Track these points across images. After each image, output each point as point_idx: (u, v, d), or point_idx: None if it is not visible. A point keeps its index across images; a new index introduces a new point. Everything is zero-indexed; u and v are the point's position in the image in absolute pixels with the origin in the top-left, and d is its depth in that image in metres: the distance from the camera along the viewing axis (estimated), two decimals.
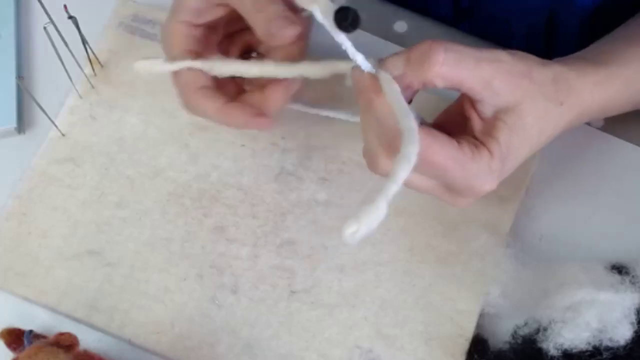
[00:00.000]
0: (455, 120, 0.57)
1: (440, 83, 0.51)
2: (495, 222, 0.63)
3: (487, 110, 0.53)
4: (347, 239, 0.44)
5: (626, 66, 0.59)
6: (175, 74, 0.59)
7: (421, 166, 0.48)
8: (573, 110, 0.56)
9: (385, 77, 0.51)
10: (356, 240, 0.44)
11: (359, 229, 0.44)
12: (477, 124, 0.54)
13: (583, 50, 0.61)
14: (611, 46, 0.61)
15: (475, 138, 0.54)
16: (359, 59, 0.51)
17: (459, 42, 0.52)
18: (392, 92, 0.50)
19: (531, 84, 0.53)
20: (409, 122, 0.47)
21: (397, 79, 0.51)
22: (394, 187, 0.45)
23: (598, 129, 0.68)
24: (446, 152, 0.51)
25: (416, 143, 0.46)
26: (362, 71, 0.52)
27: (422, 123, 0.54)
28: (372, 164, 0.55)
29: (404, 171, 0.45)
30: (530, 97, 0.53)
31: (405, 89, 0.52)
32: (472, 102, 0.54)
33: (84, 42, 0.66)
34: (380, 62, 0.52)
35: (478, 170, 0.53)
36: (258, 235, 0.64)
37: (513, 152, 0.54)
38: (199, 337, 0.61)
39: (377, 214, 0.44)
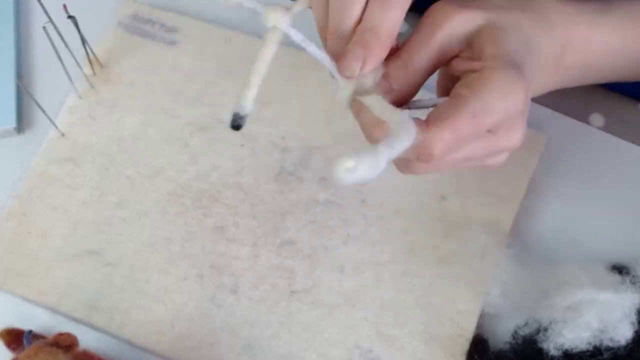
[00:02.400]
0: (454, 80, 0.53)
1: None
2: (495, 222, 0.63)
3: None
4: (340, 174, 0.40)
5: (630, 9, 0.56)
6: None
7: (462, 154, 0.48)
8: (560, 29, 0.54)
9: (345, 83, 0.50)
10: (347, 180, 0.40)
11: (356, 167, 0.40)
12: (463, 63, 0.51)
13: None
14: None
15: (468, 72, 0.50)
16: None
17: None
18: (375, 104, 0.49)
19: (529, 56, 0.51)
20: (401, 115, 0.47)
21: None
22: (397, 146, 0.43)
23: (598, 128, 0.68)
24: (459, 117, 0.47)
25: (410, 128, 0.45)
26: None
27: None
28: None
29: (403, 140, 0.44)
30: (527, 68, 0.50)
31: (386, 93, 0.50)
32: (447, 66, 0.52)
33: (84, 41, 0.66)
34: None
35: (489, 93, 0.48)
36: (258, 235, 0.64)
37: (517, 53, 0.50)
38: (199, 337, 0.61)
39: (376, 161, 0.41)
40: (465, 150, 0.49)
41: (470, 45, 0.51)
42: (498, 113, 0.48)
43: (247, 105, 0.50)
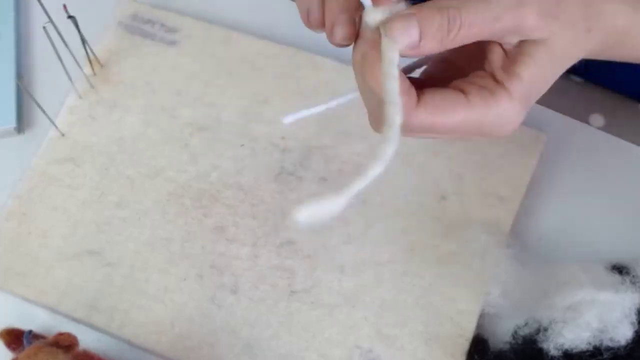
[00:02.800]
0: (470, 53, 0.51)
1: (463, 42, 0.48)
2: (495, 222, 0.63)
3: (512, 46, 0.49)
4: (298, 220, 0.42)
5: None
6: None
7: (433, 135, 0.47)
8: (599, 33, 0.52)
9: (388, 44, 0.46)
10: (304, 224, 0.42)
11: (309, 215, 0.42)
12: (497, 59, 0.49)
13: None
14: None
15: (493, 76, 0.49)
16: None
17: None
18: (387, 64, 0.46)
19: (561, 16, 0.49)
20: (393, 113, 0.45)
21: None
22: (362, 184, 0.44)
23: (598, 128, 0.68)
24: (452, 118, 0.47)
25: (393, 143, 0.44)
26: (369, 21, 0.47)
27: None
28: (372, 125, 0.52)
29: (373, 170, 0.44)
30: (559, 29, 0.49)
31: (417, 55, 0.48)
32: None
33: (84, 41, 0.66)
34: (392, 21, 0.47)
35: (495, 117, 0.48)
36: (258, 235, 0.64)
37: (537, 86, 0.49)
38: (199, 337, 0.61)
39: (334, 205, 0.43)
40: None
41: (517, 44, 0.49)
42: (489, 132, 0.49)
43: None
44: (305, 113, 0.54)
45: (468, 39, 0.47)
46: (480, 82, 0.49)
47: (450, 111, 0.47)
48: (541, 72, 0.49)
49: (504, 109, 0.48)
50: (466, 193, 0.64)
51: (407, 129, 0.47)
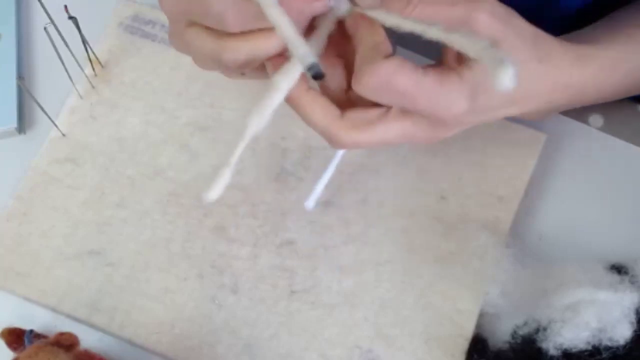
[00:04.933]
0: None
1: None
2: (495, 222, 0.63)
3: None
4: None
5: (610, 47, 0.58)
6: None
7: (383, 93, 0.49)
8: (550, 75, 0.55)
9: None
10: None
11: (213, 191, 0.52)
12: (450, 54, 0.53)
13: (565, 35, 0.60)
14: (594, 31, 0.60)
15: (447, 65, 0.53)
16: None
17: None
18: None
19: (511, 29, 0.52)
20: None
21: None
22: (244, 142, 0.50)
23: (597, 128, 0.68)
24: (407, 76, 0.50)
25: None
26: None
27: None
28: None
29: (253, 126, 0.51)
30: (509, 39, 0.52)
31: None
32: None
33: (85, 42, 0.66)
34: None
35: (444, 92, 0.51)
36: (258, 235, 0.64)
37: (486, 86, 0.51)
38: (199, 337, 0.61)
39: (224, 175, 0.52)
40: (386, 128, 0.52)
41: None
42: (435, 107, 0.51)
43: (310, 55, 0.48)
44: (320, 187, 0.60)
45: (424, 15, 0.50)
46: (435, 67, 0.52)
47: (409, 69, 0.50)
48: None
49: (452, 85, 0.51)
50: (466, 193, 0.65)
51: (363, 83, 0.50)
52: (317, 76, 0.48)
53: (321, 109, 0.52)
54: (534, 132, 0.66)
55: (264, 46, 0.51)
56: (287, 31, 0.48)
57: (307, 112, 0.52)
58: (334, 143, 0.53)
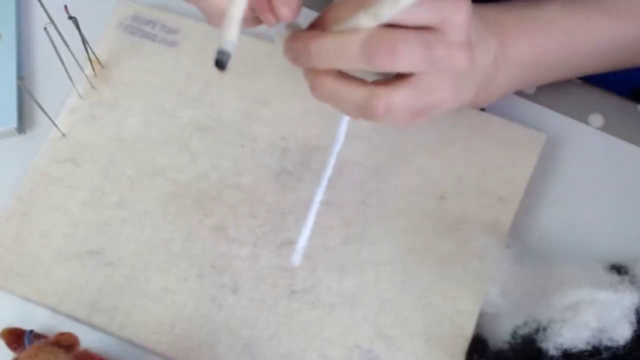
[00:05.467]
0: None
1: None
2: (494, 222, 0.63)
3: None
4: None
5: (556, 12, 0.60)
6: None
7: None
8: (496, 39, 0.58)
9: None
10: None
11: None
12: None
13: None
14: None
15: None
16: None
17: None
18: None
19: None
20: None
21: None
22: None
23: (597, 128, 0.68)
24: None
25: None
26: None
27: None
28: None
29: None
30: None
31: None
32: None
33: (85, 42, 0.66)
34: None
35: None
36: (258, 236, 0.64)
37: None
38: (199, 337, 0.61)
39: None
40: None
41: None
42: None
43: (232, 39, 0.50)
44: (303, 240, 0.60)
45: None
46: None
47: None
48: None
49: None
50: (466, 193, 0.65)
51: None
52: (220, 64, 0.49)
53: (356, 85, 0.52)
54: (534, 133, 0.66)
55: None
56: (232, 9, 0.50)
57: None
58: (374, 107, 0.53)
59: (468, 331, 0.61)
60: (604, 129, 0.68)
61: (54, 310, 0.63)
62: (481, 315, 0.61)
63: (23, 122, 0.70)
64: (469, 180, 0.65)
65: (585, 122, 0.68)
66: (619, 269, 0.60)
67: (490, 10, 0.59)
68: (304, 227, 0.59)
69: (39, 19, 0.73)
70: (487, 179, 0.65)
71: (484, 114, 0.67)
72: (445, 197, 0.65)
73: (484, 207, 0.64)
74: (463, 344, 0.60)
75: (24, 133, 0.70)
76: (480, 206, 0.64)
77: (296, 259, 0.59)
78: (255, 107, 0.68)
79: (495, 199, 0.64)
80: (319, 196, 0.59)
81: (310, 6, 0.71)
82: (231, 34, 0.50)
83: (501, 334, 0.60)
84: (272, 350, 0.61)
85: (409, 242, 0.64)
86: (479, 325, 0.61)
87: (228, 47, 0.49)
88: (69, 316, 0.63)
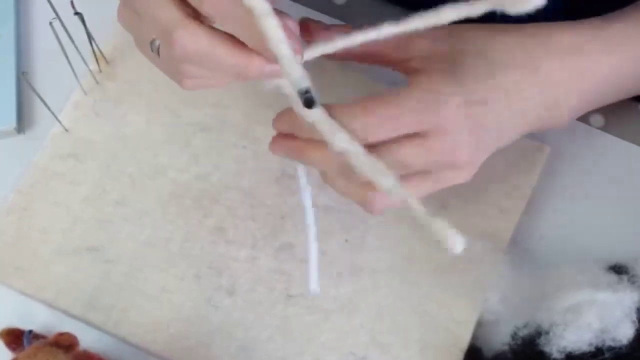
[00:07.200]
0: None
1: None
2: (494, 233, 0.63)
3: None
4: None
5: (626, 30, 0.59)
6: None
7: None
8: (567, 68, 0.57)
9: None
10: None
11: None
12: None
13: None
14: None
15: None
16: None
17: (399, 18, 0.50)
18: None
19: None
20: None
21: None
22: None
23: (598, 128, 0.68)
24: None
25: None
26: None
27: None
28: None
29: None
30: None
31: None
32: None
33: (90, 38, 0.66)
34: None
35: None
36: (257, 238, 0.64)
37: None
38: (195, 337, 0.62)
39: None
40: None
41: None
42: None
43: (299, 76, 0.48)
44: (313, 268, 0.60)
45: None
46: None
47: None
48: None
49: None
50: (467, 203, 0.64)
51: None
52: (309, 103, 0.47)
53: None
54: (537, 145, 0.65)
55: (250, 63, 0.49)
56: (282, 48, 0.46)
57: None
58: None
59: (463, 341, 0.61)
60: (605, 129, 0.68)
61: (50, 305, 0.63)
62: (480, 323, 0.61)
63: (22, 122, 0.69)
64: (470, 190, 0.64)
65: (586, 122, 0.68)
66: (617, 269, 0.60)
67: (558, 32, 0.58)
68: (310, 253, 0.59)
69: (38, 16, 0.72)
70: (489, 190, 0.64)
71: None
72: (445, 206, 0.64)
73: (485, 218, 0.64)
74: (458, 354, 0.60)
75: (23, 133, 0.69)
76: (481, 217, 0.64)
77: (313, 287, 0.60)
78: (258, 108, 0.68)
79: (497, 210, 0.64)
80: (312, 227, 0.60)
81: (310, 6, 0.70)
82: (296, 73, 0.47)
83: (501, 339, 0.60)
84: (267, 353, 0.61)
85: (407, 249, 0.64)
86: (474, 336, 0.61)
87: (304, 85, 0.47)
88: (65, 312, 0.63)
